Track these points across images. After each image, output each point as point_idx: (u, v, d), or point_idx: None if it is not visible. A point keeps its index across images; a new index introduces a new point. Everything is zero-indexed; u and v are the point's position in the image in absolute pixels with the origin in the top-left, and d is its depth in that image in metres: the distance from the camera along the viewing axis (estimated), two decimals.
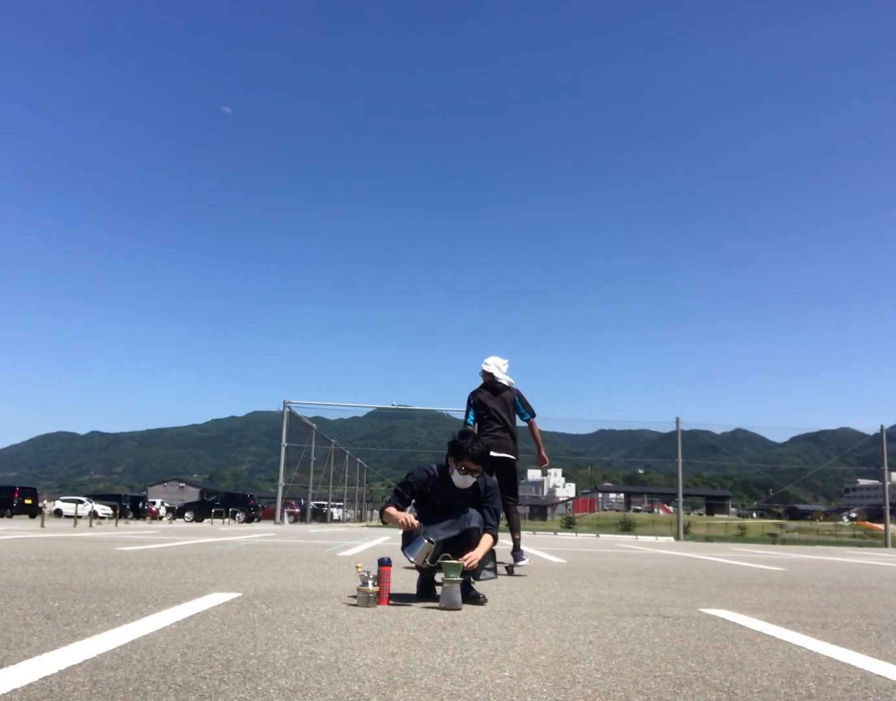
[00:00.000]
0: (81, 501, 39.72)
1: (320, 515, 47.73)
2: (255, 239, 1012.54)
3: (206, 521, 39.25)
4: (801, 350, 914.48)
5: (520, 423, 6.73)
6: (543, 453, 6.77)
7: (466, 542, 3.99)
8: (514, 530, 6.49)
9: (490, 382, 6.60)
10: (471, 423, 6.48)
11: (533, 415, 6.73)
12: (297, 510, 46.36)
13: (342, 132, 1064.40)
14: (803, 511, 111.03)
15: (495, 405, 6.49)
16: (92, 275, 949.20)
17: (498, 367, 6.64)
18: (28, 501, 35.28)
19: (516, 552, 6.29)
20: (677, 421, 34.91)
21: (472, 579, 4.01)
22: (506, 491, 6.34)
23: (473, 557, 3.91)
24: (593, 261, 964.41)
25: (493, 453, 6.25)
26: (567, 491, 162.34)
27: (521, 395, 6.70)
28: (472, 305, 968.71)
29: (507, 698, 1.95)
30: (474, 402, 6.55)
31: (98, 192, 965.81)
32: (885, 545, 34.34)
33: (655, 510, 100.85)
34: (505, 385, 6.62)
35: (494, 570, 4.18)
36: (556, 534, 36.66)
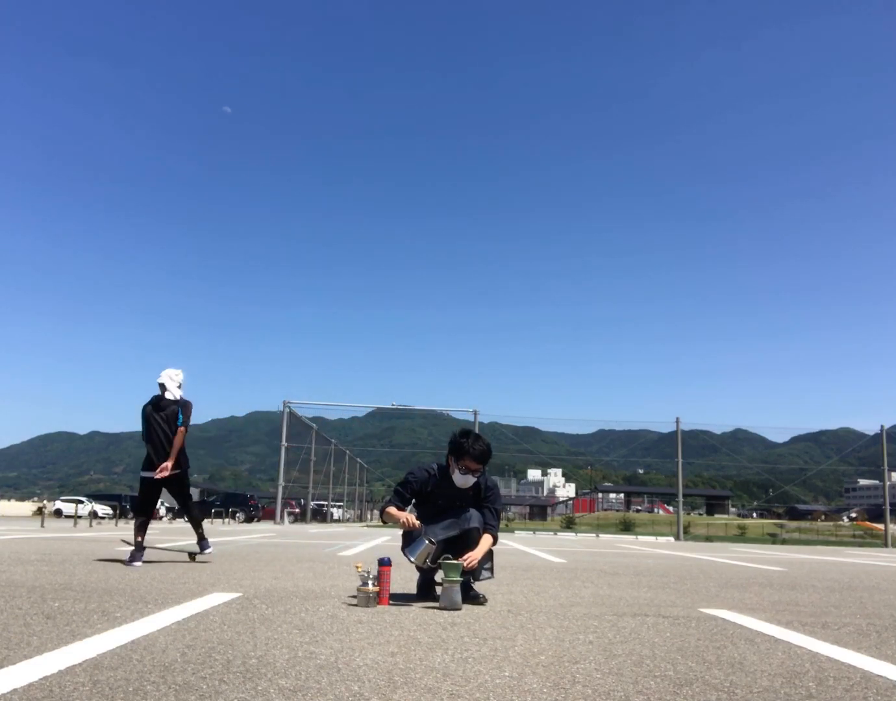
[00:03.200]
0: (81, 501, 39.68)
1: (320, 515, 47.75)
2: (254, 239, 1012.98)
3: (205, 521, 39.24)
4: (801, 350, 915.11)
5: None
6: (169, 463, 6.49)
7: (466, 542, 3.99)
8: (198, 526, 6.74)
9: (158, 397, 6.64)
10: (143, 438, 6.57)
11: (184, 426, 6.63)
12: (297, 510, 46.37)
13: (342, 133, 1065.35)
14: (803, 511, 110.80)
15: (158, 419, 6.55)
16: (91, 275, 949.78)
17: (171, 378, 6.66)
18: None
19: (202, 542, 6.64)
20: (677, 421, 34.97)
21: (472, 579, 4.01)
22: (183, 501, 6.70)
23: (473, 557, 3.91)
24: (593, 260, 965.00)
25: (145, 474, 6.48)
26: (567, 491, 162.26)
27: (185, 406, 6.70)
28: (472, 305, 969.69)
29: (507, 698, 1.95)
30: (143, 415, 6.60)
31: (98, 193, 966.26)
32: (885, 545, 34.39)
33: (655, 510, 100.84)
34: (169, 400, 6.64)
35: (491, 570, 4.19)
36: (556, 534, 36.69)
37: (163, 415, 6.55)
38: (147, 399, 6.69)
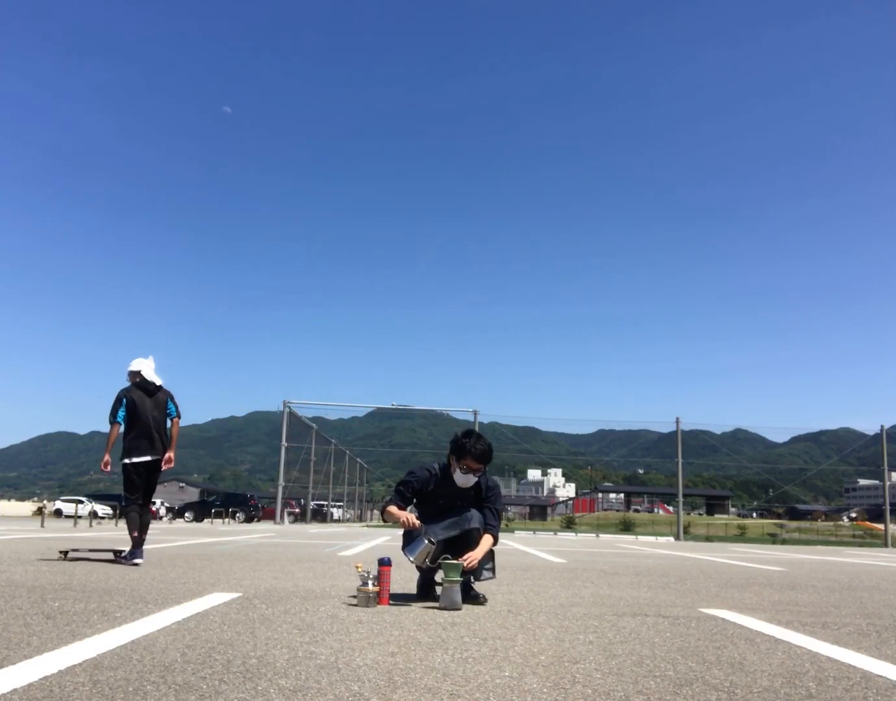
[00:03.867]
0: (81, 501, 39.65)
1: (320, 515, 47.73)
2: (254, 239, 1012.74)
3: (206, 521, 39.26)
4: (801, 350, 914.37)
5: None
6: (171, 454, 6.52)
7: (467, 542, 4.00)
8: (143, 530, 6.42)
9: (142, 383, 6.54)
10: (119, 420, 6.35)
11: (179, 415, 6.68)
12: (297, 510, 46.37)
13: (341, 133, 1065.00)
14: (803, 511, 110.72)
15: (148, 405, 6.48)
16: (91, 275, 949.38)
17: (148, 365, 6.57)
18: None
19: (136, 550, 6.20)
20: (677, 421, 34.95)
21: (472, 579, 4.01)
22: (151, 495, 6.51)
23: (473, 557, 3.91)
24: (593, 260, 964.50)
25: (139, 459, 6.31)
26: (567, 491, 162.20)
27: (172, 395, 6.70)
28: (472, 305, 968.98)
29: (507, 698, 1.95)
30: (127, 400, 6.42)
31: (98, 193, 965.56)
32: (885, 545, 34.37)
33: (655, 510, 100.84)
34: (157, 386, 6.60)
35: (493, 570, 4.19)
36: (556, 534, 36.68)
37: (152, 401, 6.50)
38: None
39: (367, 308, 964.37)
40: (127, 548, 6.38)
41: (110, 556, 6.50)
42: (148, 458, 6.38)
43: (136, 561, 6.06)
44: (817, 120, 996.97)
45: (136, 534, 6.23)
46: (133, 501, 6.41)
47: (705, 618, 3.80)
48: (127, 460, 6.38)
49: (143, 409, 6.42)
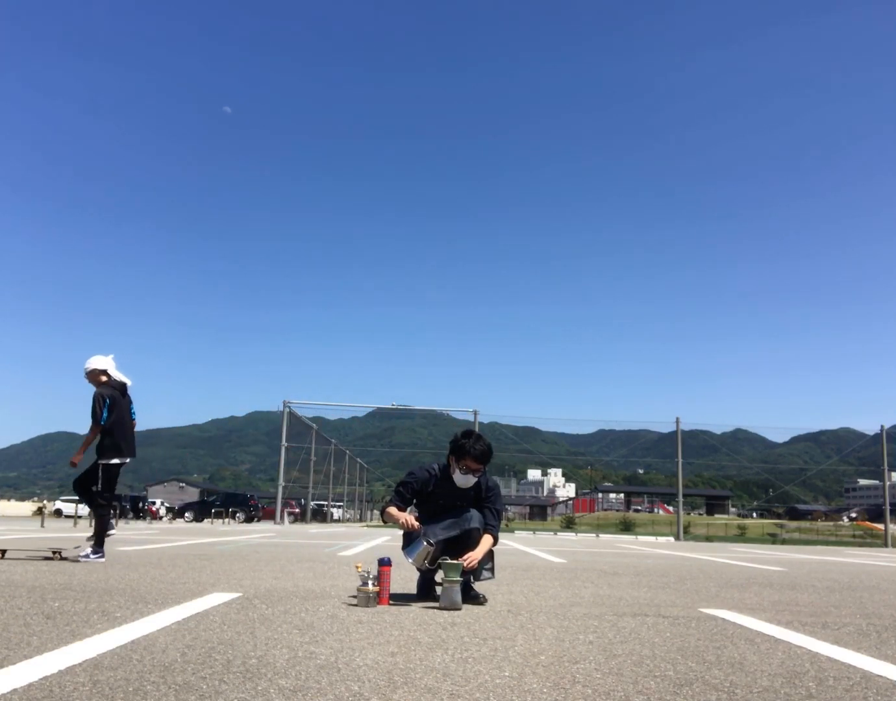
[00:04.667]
0: (81, 501, 39.65)
1: (320, 515, 47.74)
2: (254, 239, 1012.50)
3: (206, 521, 39.25)
4: (802, 350, 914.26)
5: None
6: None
7: (467, 542, 4.00)
8: (106, 528, 6.43)
9: (117, 383, 6.51)
10: (104, 424, 6.30)
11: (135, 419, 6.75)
12: (297, 510, 46.38)
13: (341, 133, 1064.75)
14: (803, 511, 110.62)
15: (124, 406, 6.49)
16: (91, 276, 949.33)
17: (111, 365, 6.52)
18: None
19: (100, 548, 6.28)
20: (677, 421, 34.94)
21: (472, 579, 4.02)
22: (106, 489, 6.43)
23: (473, 557, 3.91)
24: (593, 260, 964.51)
25: (122, 460, 6.41)
26: (567, 491, 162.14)
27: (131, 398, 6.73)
28: (472, 304, 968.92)
29: (507, 698, 1.95)
30: (110, 401, 6.38)
31: (97, 195, 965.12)
32: (885, 545, 34.36)
33: (655, 510, 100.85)
34: (126, 386, 6.60)
35: (493, 570, 4.19)
36: (556, 534, 36.69)
37: (125, 401, 6.56)
38: (149, 402, 6.71)
39: (367, 308, 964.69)
40: (73, 547, 6.44)
41: (49, 554, 6.49)
42: (128, 459, 6.51)
43: (101, 559, 6.20)
44: (818, 120, 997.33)
45: (108, 534, 6.37)
46: (112, 501, 6.50)
47: (705, 618, 3.80)
48: (118, 460, 6.43)
49: (122, 409, 6.48)
